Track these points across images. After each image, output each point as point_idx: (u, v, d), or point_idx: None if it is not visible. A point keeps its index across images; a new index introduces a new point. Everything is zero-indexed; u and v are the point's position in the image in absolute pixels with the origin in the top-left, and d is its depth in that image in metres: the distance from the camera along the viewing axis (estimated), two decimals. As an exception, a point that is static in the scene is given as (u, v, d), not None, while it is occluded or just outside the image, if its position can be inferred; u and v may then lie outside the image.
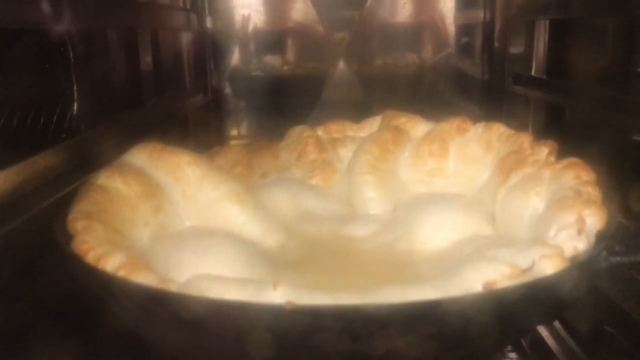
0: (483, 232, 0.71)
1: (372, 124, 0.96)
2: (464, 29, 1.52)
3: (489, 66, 1.43)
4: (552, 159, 0.72)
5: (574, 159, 0.69)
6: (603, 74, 1.01)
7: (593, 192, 0.63)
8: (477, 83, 1.46)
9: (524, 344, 0.92)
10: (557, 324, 0.91)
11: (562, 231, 0.57)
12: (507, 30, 1.38)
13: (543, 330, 0.92)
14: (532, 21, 1.26)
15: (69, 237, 0.58)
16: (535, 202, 0.68)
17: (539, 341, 0.91)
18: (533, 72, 1.26)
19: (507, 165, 0.75)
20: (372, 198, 0.84)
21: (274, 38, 1.48)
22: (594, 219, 0.58)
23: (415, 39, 1.51)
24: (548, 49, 1.21)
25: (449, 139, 0.86)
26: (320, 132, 0.97)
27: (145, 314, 0.54)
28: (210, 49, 1.40)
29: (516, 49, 1.35)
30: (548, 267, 0.52)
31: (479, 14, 1.45)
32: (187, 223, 0.73)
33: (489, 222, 0.73)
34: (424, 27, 1.50)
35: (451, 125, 0.86)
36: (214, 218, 0.74)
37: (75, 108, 0.90)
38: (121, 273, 0.53)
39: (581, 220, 0.58)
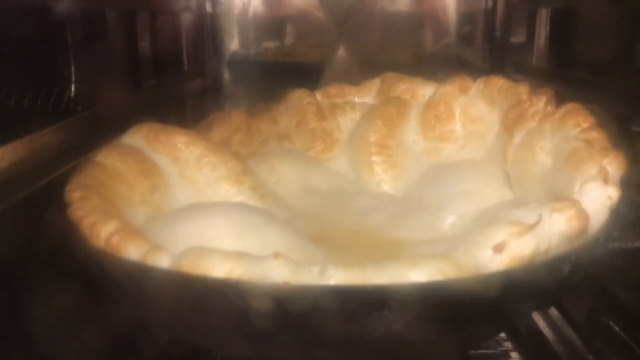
0: (505, 198, 0.70)
1: (371, 87, 0.95)
2: (466, 18, 1.52)
3: (490, 55, 1.43)
4: (551, 108, 0.71)
5: (570, 105, 0.68)
6: (604, 63, 1.01)
7: (599, 136, 0.62)
8: (478, 72, 1.45)
9: (519, 332, 0.92)
10: (553, 312, 0.91)
11: (587, 184, 0.56)
12: (508, 18, 1.38)
13: (539, 320, 0.92)
14: (533, 9, 1.25)
15: (66, 207, 0.58)
16: (542, 157, 0.67)
17: (535, 330, 0.91)
18: (534, 61, 1.25)
19: (510, 122, 0.75)
20: (383, 177, 0.83)
21: (274, 24, 1.48)
22: (614, 166, 0.58)
23: (416, 27, 1.50)
24: (549, 38, 1.21)
25: (452, 100, 0.85)
26: (319, 96, 0.95)
27: (138, 293, 0.54)
28: (209, 33, 1.39)
29: (517, 37, 1.35)
30: (560, 220, 0.51)
31: (481, 2, 1.45)
32: (184, 204, 0.73)
33: (508, 185, 0.72)
34: (425, 15, 1.49)
35: (453, 86, 0.85)
36: (212, 198, 0.74)
37: (72, 90, 0.90)
38: (115, 239, 0.53)
39: (604, 170, 0.57)
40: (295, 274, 0.47)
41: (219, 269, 0.48)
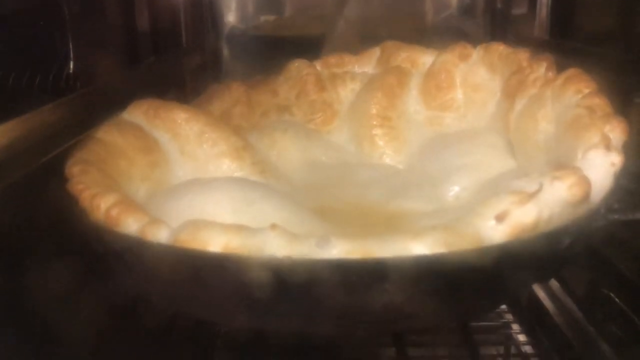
0: (508, 167, 0.70)
1: (371, 56, 0.94)
2: (467, -11, 1.49)
3: (491, 27, 1.41)
4: (551, 74, 0.71)
5: (571, 71, 0.68)
6: (606, 34, 1.00)
7: (601, 102, 0.62)
8: (479, 44, 1.44)
9: (520, 304, 0.92)
10: (553, 284, 0.92)
11: (590, 152, 0.55)
12: (509, -10, 1.36)
13: (539, 291, 0.93)
14: (535, -19, 1.24)
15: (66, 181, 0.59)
16: (544, 125, 0.67)
17: (535, 302, 0.92)
18: (535, 33, 1.24)
19: (511, 89, 0.74)
20: (385, 150, 0.83)
21: (273, -1, 1.46)
22: (617, 133, 0.58)
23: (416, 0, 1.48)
24: (551, 10, 1.20)
25: (453, 68, 0.84)
26: (318, 66, 0.94)
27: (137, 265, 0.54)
28: (208, 7, 1.38)
29: (518, 9, 1.33)
30: (561, 188, 0.51)
31: (482, -26, 1.42)
32: (184, 179, 0.73)
33: (511, 154, 0.72)
34: (425, -14, 1.47)
35: (453, 53, 0.85)
36: (213, 174, 0.74)
37: (71, 67, 0.89)
38: (114, 212, 0.53)
39: (606, 138, 0.56)
40: (292, 245, 0.47)
41: (216, 242, 0.48)
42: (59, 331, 0.60)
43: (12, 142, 0.60)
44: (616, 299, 0.80)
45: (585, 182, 0.52)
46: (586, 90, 0.64)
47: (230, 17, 1.43)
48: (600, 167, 0.55)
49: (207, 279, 0.50)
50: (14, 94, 0.83)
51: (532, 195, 0.50)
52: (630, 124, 0.59)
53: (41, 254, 0.60)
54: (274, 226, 0.48)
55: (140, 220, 0.52)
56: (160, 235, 0.50)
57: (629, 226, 0.61)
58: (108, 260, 0.56)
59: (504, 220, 0.49)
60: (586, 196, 0.52)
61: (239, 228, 0.49)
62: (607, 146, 0.55)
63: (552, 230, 0.51)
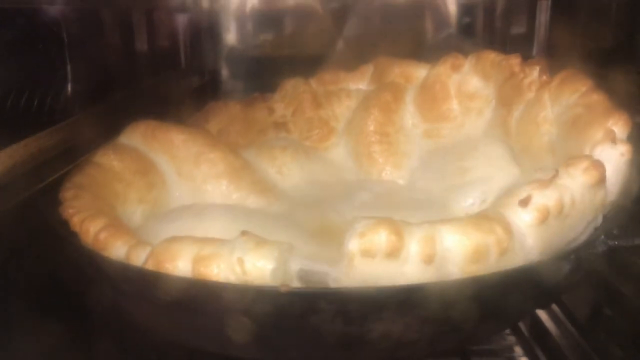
0: (512, 175, 0.69)
1: (365, 72, 0.95)
2: (466, 9, 1.50)
3: (490, 46, 1.40)
4: (546, 77, 0.71)
5: (565, 72, 0.68)
6: (605, 54, 1.00)
7: (599, 98, 0.62)
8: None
9: (522, 326, 0.91)
10: (555, 307, 0.91)
11: (597, 148, 0.56)
12: (508, 10, 1.36)
13: (542, 314, 0.92)
14: (533, 1, 1.24)
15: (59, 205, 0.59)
16: (546, 128, 0.67)
17: (538, 324, 0.91)
18: (534, 53, 1.24)
19: (506, 96, 0.75)
20: (384, 166, 0.83)
21: (272, 18, 1.46)
22: (620, 125, 0.58)
23: (416, 19, 1.49)
24: (550, 29, 1.20)
25: (446, 79, 0.85)
26: (313, 83, 0.95)
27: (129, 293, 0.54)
28: (206, 29, 1.38)
29: (517, 29, 1.33)
30: (577, 172, 0.52)
31: (481, -7, 1.43)
32: (182, 201, 0.73)
33: (514, 161, 0.71)
34: (425, 6, 1.47)
35: (445, 64, 0.85)
36: (211, 195, 0.73)
37: (69, 89, 0.89)
38: (103, 235, 0.53)
39: (610, 132, 0.57)
40: (258, 249, 0.48)
41: (188, 251, 0.49)
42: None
43: (10, 169, 0.60)
44: (618, 321, 0.79)
45: (599, 164, 0.53)
46: (583, 89, 0.64)
47: (229, 38, 1.43)
48: (610, 160, 0.55)
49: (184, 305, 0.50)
50: (12, 116, 0.83)
51: (550, 180, 0.51)
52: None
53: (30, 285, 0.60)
54: (244, 232, 0.49)
55: (129, 243, 0.52)
56: (141, 255, 0.51)
57: (632, 248, 0.60)
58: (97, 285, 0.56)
59: (528, 205, 0.50)
60: (602, 177, 0.53)
61: (210, 238, 0.50)
62: (613, 139, 0.56)
63: (552, 258, 0.51)
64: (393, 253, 0.47)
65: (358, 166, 0.86)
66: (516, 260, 0.49)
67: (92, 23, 0.95)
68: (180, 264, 0.49)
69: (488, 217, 0.50)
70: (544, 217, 0.50)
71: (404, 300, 0.47)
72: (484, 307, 0.51)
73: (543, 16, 1.21)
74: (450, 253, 0.48)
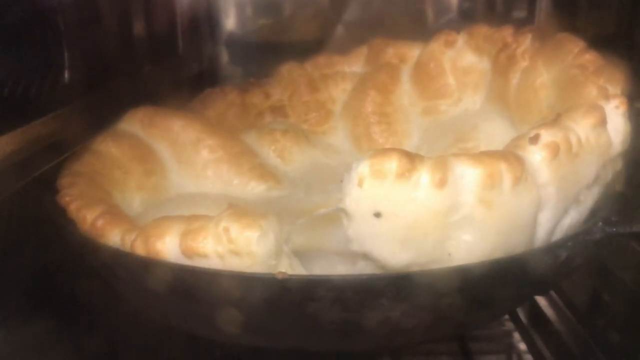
0: None
1: (359, 55, 0.95)
2: (466, -6, 1.49)
3: (490, 31, 1.40)
4: (539, 44, 0.71)
5: (557, 36, 0.68)
6: (606, 41, 0.99)
7: (592, 57, 0.62)
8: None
9: (520, 313, 0.92)
10: (554, 293, 0.91)
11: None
12: (509, -7, 1.35)
13: (541, 300, 0.92)
14: (534, -16, 1.23)
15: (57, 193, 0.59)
16: (544, 93, 0.67)
17: (536, 310, 0.91)
18: (535, 37, 1.23)
19: (501, 66, 0.75)
20: (384, 147, 0.82)
21: (271, 2, 1.45)
22: (613, 82, 0.58)
23: (416, 4, 1.48)
24: (550, 15, 1.19)
25: (440, 55, 0.85)
26: (309, 67, 0.95)
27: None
28: (205, 15, 1.37)
29: (518, 13, 1.32)
30: (577, 117, 0.53)
31: (481, -22, 1.42)
32: (182, 188, 0.73)
33: (515, 132, 0.70)
34: (425, -10, 1.46)
35: (439, 41, 0.85)
36: (212, 181, 0.73)
37: (66, 77, 0.88)
38: (99, 223, 0.53)
39: (603, 89, 0.57)
40: (243, 217, 0.47)
41: (177, 227, 0.49)
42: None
43: (8, 156, 0.59)
44: (617, 307, 0.79)
45: (597, 107, 0.54)
46: (576, 50, 0.64)
47: (228, 23, 1.42)
48: (607, 115, 0.55)
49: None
50: (9, 104, 0.83)
51: (554, 121, 0.52)
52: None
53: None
54: (230, 206, 0.49)
55: (125, 231, 0.52)
56: (133, 238, 0.51)
57: (630, 235, 0.60)
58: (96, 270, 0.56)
59: (537, 142, 0.50)
60: (602, 118, 0.53)
61: (199, 215, 0.50)
62: (606, 96, 0.57)
63: (549, 245, 0.51)
64: (404, 174, 0.46)
65: (357, 148, 0.86)
66: (532, 195, 0.49)
67: (89, 10, 0.94)
68: (168, 240, 0.49)
69: (500, 151, 0.51)
70: (555, 153, 0.50)
71: (401, 287, 0.47)
72: (482, 294, 0.51)
73: (544, 1, 1.20)
74: (464, 180, 0.47)
